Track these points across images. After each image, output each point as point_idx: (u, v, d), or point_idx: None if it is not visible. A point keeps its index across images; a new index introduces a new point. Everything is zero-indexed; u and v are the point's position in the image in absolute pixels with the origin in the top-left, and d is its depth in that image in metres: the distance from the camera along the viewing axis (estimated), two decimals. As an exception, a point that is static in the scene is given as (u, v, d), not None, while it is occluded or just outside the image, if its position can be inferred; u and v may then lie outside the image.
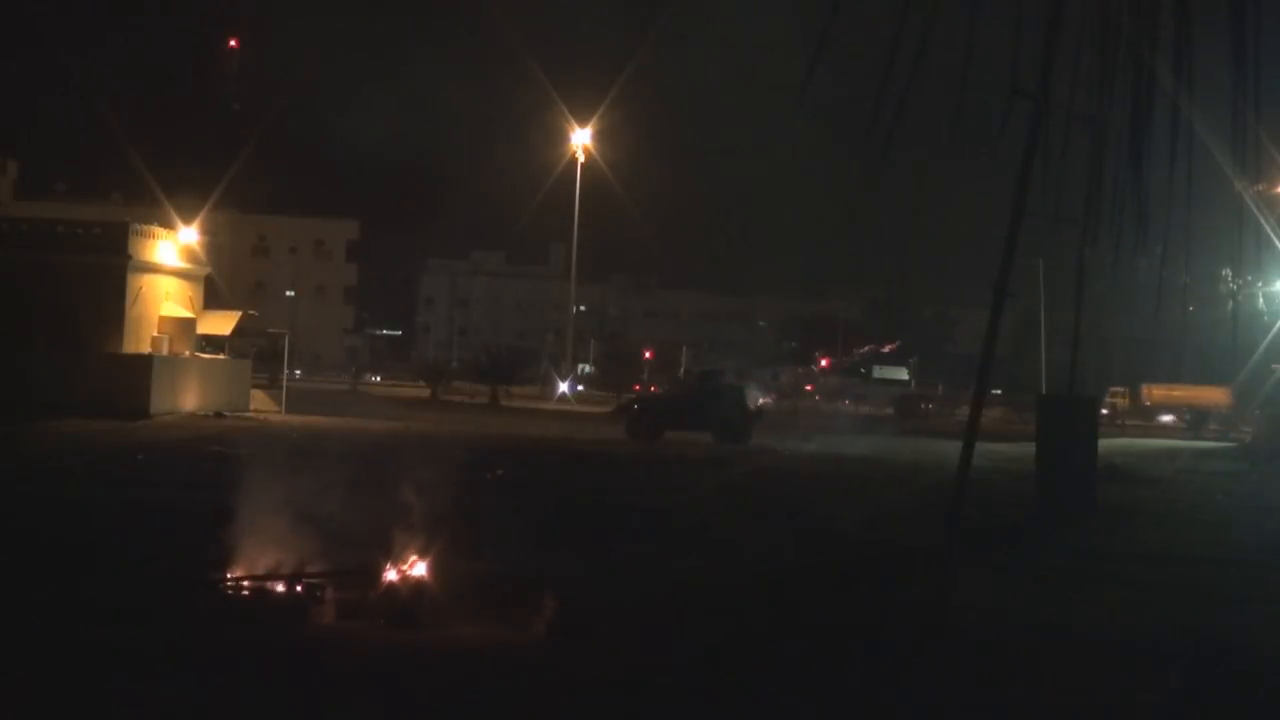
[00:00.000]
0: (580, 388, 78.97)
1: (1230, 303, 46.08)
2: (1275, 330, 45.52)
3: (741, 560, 19.57)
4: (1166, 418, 70.34)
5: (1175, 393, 71.96)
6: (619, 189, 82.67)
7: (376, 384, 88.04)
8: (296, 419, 47.85)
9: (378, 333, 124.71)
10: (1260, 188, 20.46)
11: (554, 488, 28.18)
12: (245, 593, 14.77)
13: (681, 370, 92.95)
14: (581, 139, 75.40)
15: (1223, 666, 13.60)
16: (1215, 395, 66.36)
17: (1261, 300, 47.64)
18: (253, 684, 11.65)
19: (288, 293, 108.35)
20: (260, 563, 14.94)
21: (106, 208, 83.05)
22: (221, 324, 54.28)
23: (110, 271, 48.37)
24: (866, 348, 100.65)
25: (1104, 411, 55.22)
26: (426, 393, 74.20)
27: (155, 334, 50.19)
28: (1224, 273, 42.51)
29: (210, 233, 61.18)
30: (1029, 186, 12.60)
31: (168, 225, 54.13)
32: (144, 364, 46.72)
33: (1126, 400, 73.05)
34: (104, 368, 45.85)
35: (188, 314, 52.65)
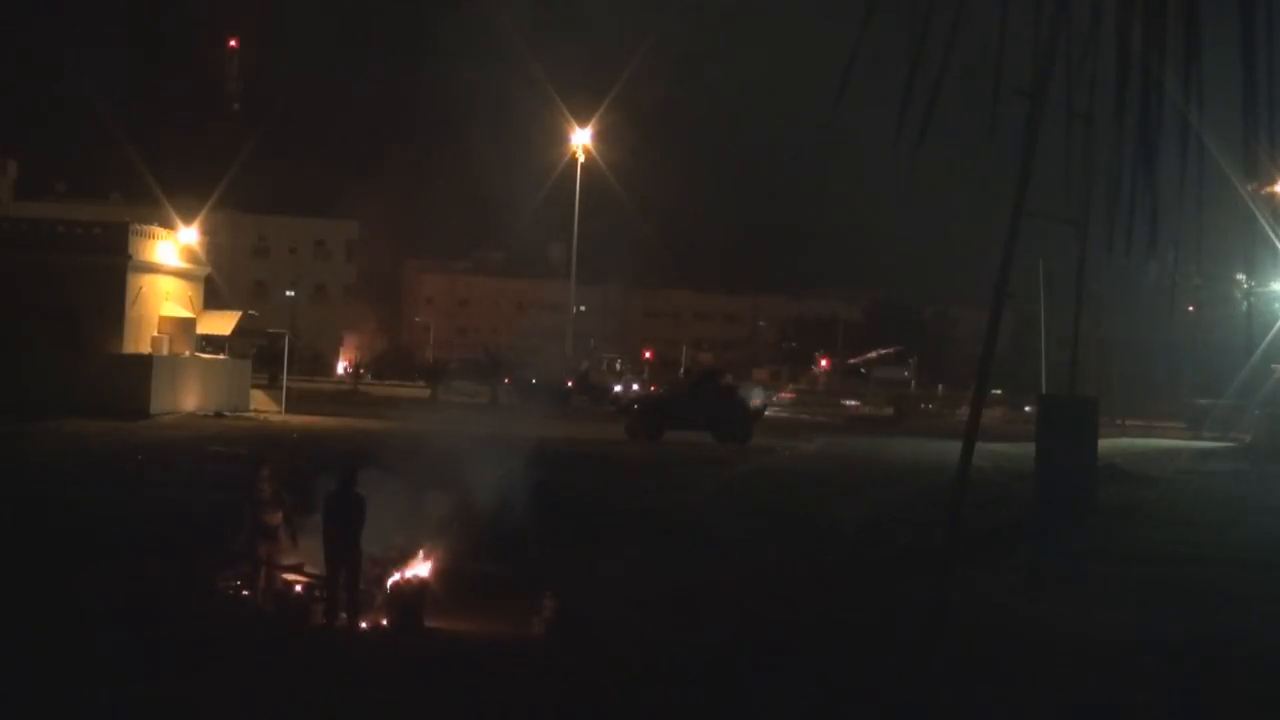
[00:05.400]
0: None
1: (1244, 304, 46.09)
2: (1275, 330, 45.43)
3: (741, 560, 19.57)
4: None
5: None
6: (619, 189, 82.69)
7: (376, 384, 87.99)
8: (296, 419, 47.83)
9: (378, 333, 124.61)
10: (1266, 189, 20.54)
11: (553, 488, 28.15)
12: (246, 592, 14.78)
13: (681, 370, 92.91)
14: (582, 139, 75.38)
15: (1223, 666, 13.60)
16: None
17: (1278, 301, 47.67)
18: (253, 683, 11.65)
19: (288, 293, 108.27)
20: (263, 561, 14.93)
21: (106, 208, 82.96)
22: (221, 324, 54.25)
23: (110, 271, 48.35)
24: (875, 353, 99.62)
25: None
26: (427, 393, 74.17)
27: (155, 334, 50.16)
28: (1238, 277, 42.70)
29: (210, 233, 61.15)
30: (1028, 186, 12.61)
31: (168, 225, 54.10)
32: (144, 364, 46.68)
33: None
34: (104, 368, 45.81)
35: (188, 314, 52.64)
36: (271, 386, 56.77)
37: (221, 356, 53.15)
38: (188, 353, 51.12)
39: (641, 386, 71.36)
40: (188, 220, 55.85)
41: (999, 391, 65.85)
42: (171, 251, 52.41)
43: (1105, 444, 32.83)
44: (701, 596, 16.45)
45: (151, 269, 50.61)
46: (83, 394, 42.65)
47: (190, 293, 53.62)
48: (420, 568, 14.70)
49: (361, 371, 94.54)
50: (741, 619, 15.19)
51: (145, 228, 51.19)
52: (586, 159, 75.41)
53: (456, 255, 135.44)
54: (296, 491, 15.58)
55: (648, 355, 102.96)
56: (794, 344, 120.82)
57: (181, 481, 26.29)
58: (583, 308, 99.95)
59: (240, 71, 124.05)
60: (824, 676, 12.64)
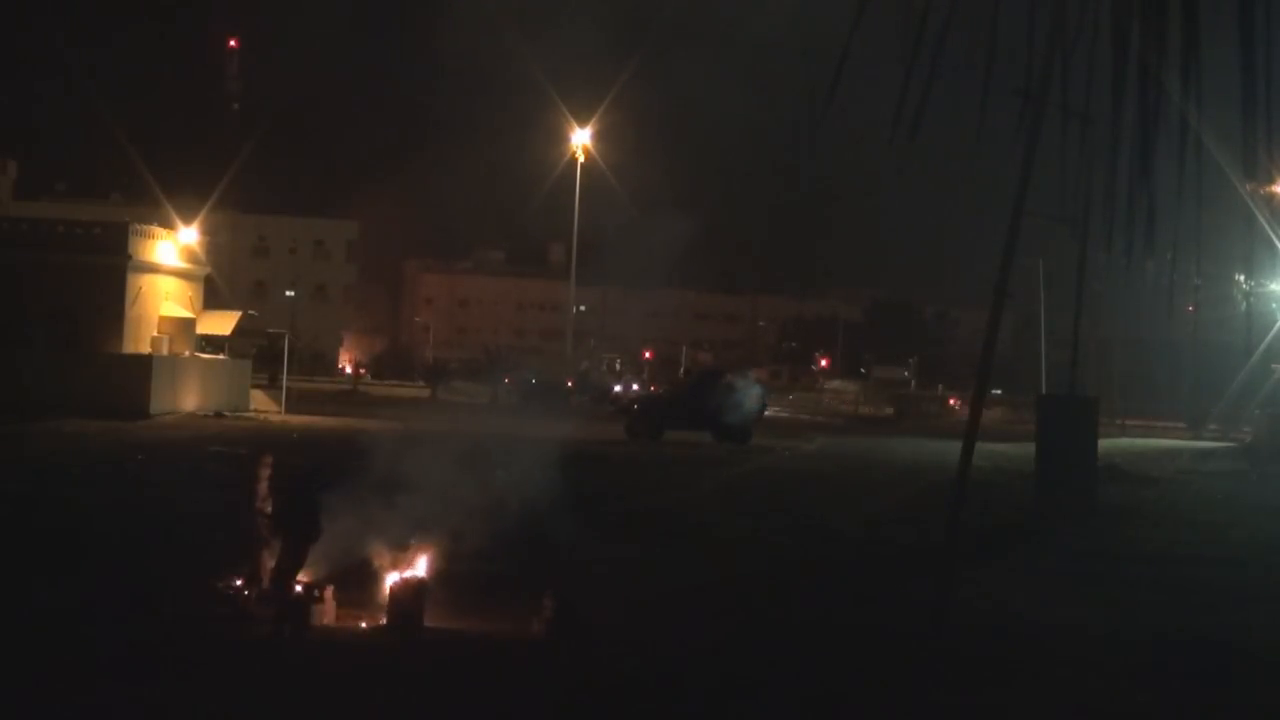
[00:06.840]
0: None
1: (1244, 304, 46.18)
2: (1275, 330, 45.45)
3: (741, 560, 19.57)
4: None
5: None
6: (619, 189, 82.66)
7: (376, 384, 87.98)
8: (296, 419, 47.82)
9: (378, 332, 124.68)
10: (1266, 189, 20.58)
11: (554, 487, 28.11)
12: (245, 593, 14.76)
13: (681, 370, 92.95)
14: (581, 139, 75.34)
15: (1223, 666, 13.61)
16: None
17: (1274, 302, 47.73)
18: (252, 684, 11.65)
19: (288, 293, 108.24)
20: (261, 563, 14.92)
21: (106, 208, 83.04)
22: (221, 324, 54.24)
23: (110, 271, 48.34)
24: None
25: None
26: (426, 393, 74.18)
27: (155, 334, 50.15)
28: (1238, 277, 42.84)
29: (210, 233, 61.17)
30: (1028, 186, 12.62)
31: (168, 225, 54.10)
32: (144, 364, 46.68)
33: None
34: (104, 368, 45.81)
35: (188, 314, 52.64)
36: (271, 386, 56.78)
37: (221, 356, 53.15)
38: (187, 353, 51.12)
39: (641, 386, 71.38)
40: (188, 220, 55.86)
41: (999, 391, 65.86)
42: (171, 251, 52.41)
43: (1105, 444, 32.84)
44: (701, 596, 16.45)
45: (151, 269, 50.62)
46: (83, 394, 42.65)
47: (190, 293, 53.63)
48: (420, 567, 14.69)
49: (361, 371, 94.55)
50: (742, 619, 15.19)
51: (145, 228, 51.20)
52: (587, 159, 75.40)
53: (456, 255, 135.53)
54: (294, 493, 15.55)
55: (648, 355, 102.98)
56: (794, 344, 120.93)
57: (181, 481, 26.28)
58: (583, 308, 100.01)
59: (240, 71, 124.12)
60: (824, 676, 12.64)
